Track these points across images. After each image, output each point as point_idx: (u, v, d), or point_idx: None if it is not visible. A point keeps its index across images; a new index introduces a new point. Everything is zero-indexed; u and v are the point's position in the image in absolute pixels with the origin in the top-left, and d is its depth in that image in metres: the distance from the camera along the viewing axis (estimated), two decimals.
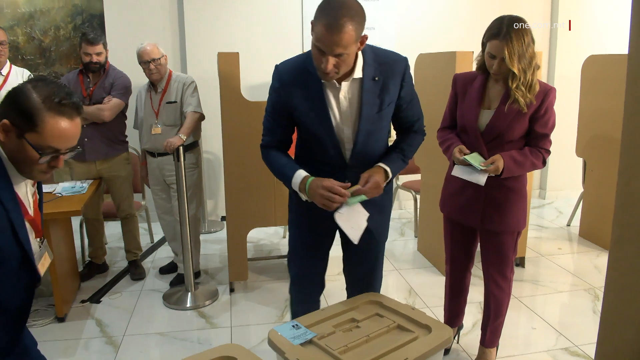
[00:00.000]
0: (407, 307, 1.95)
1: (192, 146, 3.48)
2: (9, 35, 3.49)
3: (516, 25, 2.11)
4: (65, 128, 1.42)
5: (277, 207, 3.32)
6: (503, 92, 2.23)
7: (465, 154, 2.27)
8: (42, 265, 1.64)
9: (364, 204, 1.96)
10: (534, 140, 2.27)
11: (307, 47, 4.97)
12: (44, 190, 3.18)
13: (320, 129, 1.95)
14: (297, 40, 5.00)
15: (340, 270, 3.80)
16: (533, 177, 5.45)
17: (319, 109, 1.92)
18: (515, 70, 2.12)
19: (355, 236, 1.98)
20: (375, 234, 2.14)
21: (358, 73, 1.90)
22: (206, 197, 5.04)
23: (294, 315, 2.28)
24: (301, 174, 1.94)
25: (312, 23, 1.76)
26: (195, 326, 3.07)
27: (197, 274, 3.59)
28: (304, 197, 1.97)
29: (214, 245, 4.36)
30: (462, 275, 2.64)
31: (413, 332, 1.77)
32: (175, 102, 3.41)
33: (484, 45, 2.23)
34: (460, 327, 2.77)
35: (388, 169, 1.99)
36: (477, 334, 2.67)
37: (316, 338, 1.72)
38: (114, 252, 4.19)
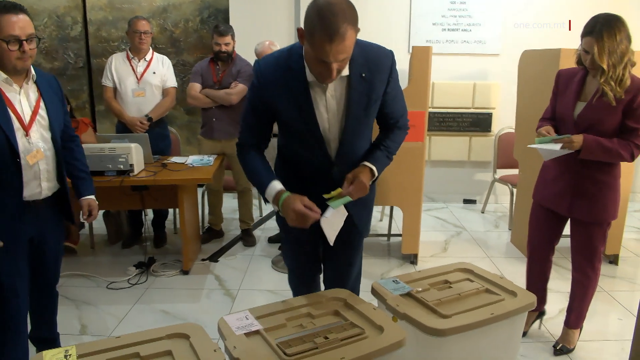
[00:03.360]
0: (495, 276, 2.17)
1: None
2: None
3: (610, 23, 2.26)
4: (13, 20, 1.99)
5: (378, 188, 3.55)
6: (598, 86, 2.36)
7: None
8: (32, 156, 2.14)
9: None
10: (625, 133, 2.37)
11: (414, 43, 5.19)
12: (176, 161, 3.71)
13: (306, 128, 1.89)
14: (404, 37, 5.24)
15: (434, 252, 4.06)
16: (635, 180, 5.34)
17: (304, 108, 1.85)
18: (604, 66, 2.26)
19: (332, 237, 1.98)
20: (360, 227, 2.15)
21: (345, 70, 1.81)
22: None
23: None
24: (275, 186, 1.89)
25: (304, 31, 1.68)
26: None
27: None
28: (276, 209, 1.92)
29: None
30: (542, 262, 2.78)
31: (500, 295, 2.00)
32: None
33: (581, 40, 2.38)
34: (542, 313, 2.90)
35: (374, 168, 1.95)
36: (563, 319, 2.80)
37: (413, 292, 2.00)
38: (228, 222, 4.69)
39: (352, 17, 1.65)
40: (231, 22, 5.19)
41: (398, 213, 4.22)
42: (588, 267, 2.60)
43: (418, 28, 5.24)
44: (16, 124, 2.10)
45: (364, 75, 1.85)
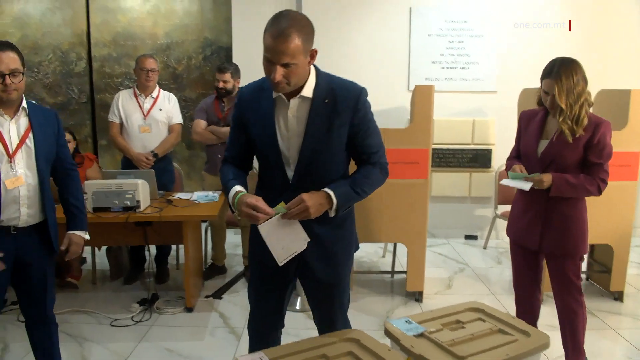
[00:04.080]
0: (507, 315, 2.17)
1: None
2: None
3: (567, 65, 2.42)
4: None
5: (383, 224, 3.63)
6: (558, 125, 2.49)
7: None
8: (12, 182, 2.27)
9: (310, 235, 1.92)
10: (589, 168, 2.50)
11: (413, 81, 5.30)
12: (182, 197, 3.73)
13: (266, 144, 1.96)
14: (404, 75, 5.34)
15: (439, 290, 4.04)
16: (636, 215, 5.38)
17: (266, 124, 1.94)
18: (563, 105, 2.40)
19: (280, 257, 1.89)
20: (321, 277, 2.06)
21: (308, 92, 1.90)
22: None
23: (251, 351, 2.21)
24: (236, 189, 1.93)
25: (263, 37, 1.79)
26: (305, 325, 3.42)
27: None
28: (236, 214, 1.93)
29: None
30: (529, 300, 2.78)
31: (513, 335, 1.99)
32: None
33: (541, 83, 2.52)
34: None
35: (331, 193, 1.90)
36: None
37: (426, 332, 1.99)
38: (231, 258, 4.67)
39: (302, 27, 1.76)
40: (234, 60, 5.27)
41: (400, 250, 4.24)
42: (570, 300, 2.63)
43: (417, 66, 5.35)
44: (0, 150, 2.25)
45: (327, 100, 1.91)
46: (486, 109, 5.38)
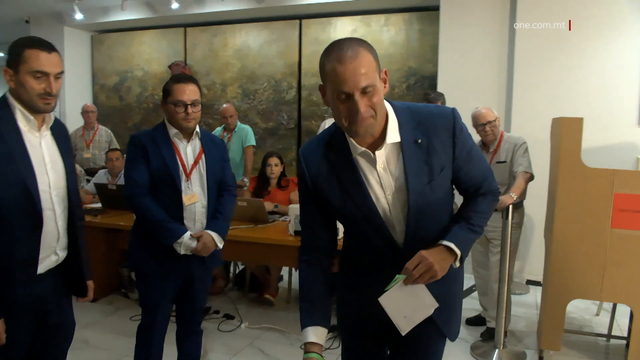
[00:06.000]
0: None
1: (519, 205, 3.56)
2: None
3: None
4: (183, 89, 2.40)
5: (605, 280, 3.12)
6: None
7: None
8: (188, 198, 2.48)
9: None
10: None
11: None
12: None
13: (361, 213, 1.58)
14: (633, 106, 4.67)
15: None
16: None
17: (354, 189, 1.57)
18: None
19: (404, 326, 1.58)
20: (440, 325, 1.67)
21: (394, 136, 1.52)
22: None
23: None
24: (308, 335, 1.61)
25: (323, 80, 1.49)
26: None
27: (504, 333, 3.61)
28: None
29: (517, 308, 4.29)
30: None
31: None
32: (505, 162, 3.56)
33: None
34: None
35: (451, 245, 1.54)
36: None
37: None
38: None
39: (366, 43, 1.46)
40: (439, 88, 5.15)
41: (620, 310, 3.64)
42: None
43: None
44: (180, 169, 2.47)
45: (419, 140, 1.54)
46: None
